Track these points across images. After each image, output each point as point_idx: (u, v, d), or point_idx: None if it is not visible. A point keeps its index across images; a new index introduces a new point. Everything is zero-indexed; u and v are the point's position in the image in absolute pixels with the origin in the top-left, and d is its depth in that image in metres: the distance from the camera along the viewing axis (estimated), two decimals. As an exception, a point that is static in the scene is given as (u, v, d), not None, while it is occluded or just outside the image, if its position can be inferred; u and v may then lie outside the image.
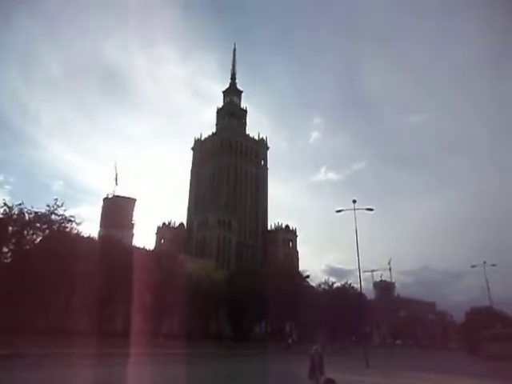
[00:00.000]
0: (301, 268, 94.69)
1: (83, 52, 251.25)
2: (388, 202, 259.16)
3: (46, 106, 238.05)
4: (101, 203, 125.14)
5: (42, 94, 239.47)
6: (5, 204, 43.58)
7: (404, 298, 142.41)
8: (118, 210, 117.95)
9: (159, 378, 20.33)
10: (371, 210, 32.55)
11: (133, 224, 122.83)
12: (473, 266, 64.45)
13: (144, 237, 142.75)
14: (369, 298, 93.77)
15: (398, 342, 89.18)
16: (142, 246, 77.11)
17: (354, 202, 31.37)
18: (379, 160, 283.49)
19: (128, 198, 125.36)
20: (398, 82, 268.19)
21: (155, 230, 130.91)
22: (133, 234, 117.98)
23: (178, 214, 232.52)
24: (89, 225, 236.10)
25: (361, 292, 47.81)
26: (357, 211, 33.30)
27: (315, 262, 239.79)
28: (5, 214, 42.92)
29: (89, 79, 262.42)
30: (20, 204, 44.05)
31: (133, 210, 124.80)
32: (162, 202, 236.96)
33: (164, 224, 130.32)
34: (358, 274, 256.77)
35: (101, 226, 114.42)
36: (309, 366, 13.43)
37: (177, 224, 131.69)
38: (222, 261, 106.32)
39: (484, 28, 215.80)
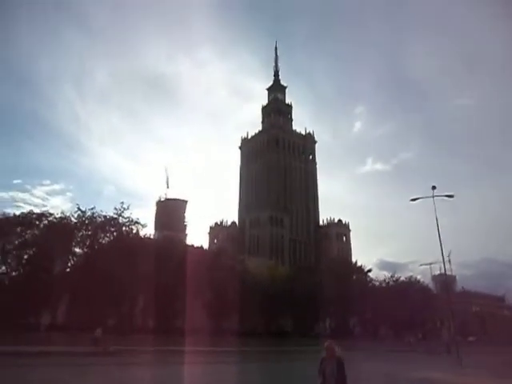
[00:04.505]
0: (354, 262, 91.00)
1: (129, 63, 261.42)
2: (440, 192, 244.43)
3: (97, 115, 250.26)
4: (152, 206, 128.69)
5: (92, 104, 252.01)
6: (78, 209, 45.70)
7: (469, 291, 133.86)
8: (170, 212, 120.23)
9: (236, 377, 19.55)
10: (451, 196, 29.89)
11: (185, 225, 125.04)
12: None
13: (196, 237, 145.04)
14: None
15: (470, 338, 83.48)
16: (199, 246, 78.53)
17: (434, 188, 28.95)
18: (428, 147, 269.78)
19: (180, 200, 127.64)
20: (445, 64, 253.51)
21: (207, 230, 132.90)
22: (186, 235, 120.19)
23: (229, 213, 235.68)
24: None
25: (447, 288, 43.96)
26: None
27: (366, 256, 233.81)
28: (78, 218, 44.83)
29: (135, 88, 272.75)
30: (92, 208, 45.94)
31: (185, 212, 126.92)
32: (212, 202, 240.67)
33: (216, 224, 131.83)
34: (412, 267, 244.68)
35: (156, 229, 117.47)
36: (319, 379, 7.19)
37: (229, 223, 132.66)
38: (276, 257, 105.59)
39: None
